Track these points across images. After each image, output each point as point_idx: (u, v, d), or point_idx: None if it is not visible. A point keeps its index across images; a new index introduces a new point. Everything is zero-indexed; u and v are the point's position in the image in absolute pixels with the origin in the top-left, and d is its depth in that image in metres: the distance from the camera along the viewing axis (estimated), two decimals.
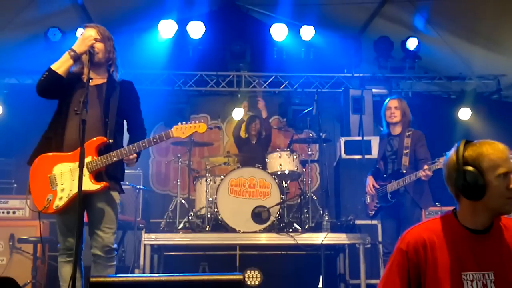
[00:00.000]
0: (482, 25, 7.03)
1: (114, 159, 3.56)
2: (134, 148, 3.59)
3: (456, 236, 2.22)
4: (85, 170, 3.47)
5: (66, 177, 3.54)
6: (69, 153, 3.56)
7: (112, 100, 3.69)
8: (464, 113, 8.06)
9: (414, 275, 2.22)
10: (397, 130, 5.27)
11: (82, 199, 3.45)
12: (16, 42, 7.27)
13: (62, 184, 3.55)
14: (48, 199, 3.52)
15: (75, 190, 3.37)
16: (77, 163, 3.30)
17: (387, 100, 5.37)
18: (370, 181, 5.29)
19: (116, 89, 3.75)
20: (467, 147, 2.23)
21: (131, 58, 7.45)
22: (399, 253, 2.25)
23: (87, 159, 3.52)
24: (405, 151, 5.12)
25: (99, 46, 3.66)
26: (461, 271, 2.17)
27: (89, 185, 3.51)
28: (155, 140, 3.64)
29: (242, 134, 7.51)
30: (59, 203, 3.52)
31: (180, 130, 3.70)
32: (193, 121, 3.75)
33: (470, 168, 2.17)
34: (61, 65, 3.63)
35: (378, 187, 5.21)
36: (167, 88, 8.11)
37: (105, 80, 3.77)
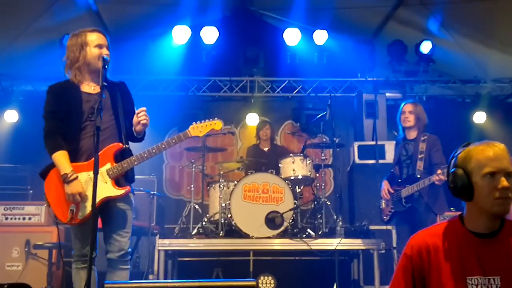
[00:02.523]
0: (497, 28, 6.98)
1: (135, 163, 3.59)
2: (154, 151, 3.61)
3: (461, 240, 2.21)
4: (106, 177, 3.52)
5: (87, 186, 3.49)
6: (85, 162, 3.53)
7: (118, 105, 3.68)
8: (479, 117, 8.01)
9: (419, 280, 2.22)
10: (412, 134, 5.24)
11: (103, 206, 3.50)
12: (32, 49, 7.34)
13: (84, 194, 3.51)
14: (71, 209, 3.46)
15: (99, 197, 3.37)
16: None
17: (402, 104, 5.35)
18: (385, 186, 5.26)
19: (117, 92, 3.72)
20: (464, 149, 2.23)
21: (145, 64, 7.51)
22: (404, 258, 2.28)
23: (107, 166, 3.54)
24: (420, 156, 5.09)
25: (108, 54, 3.64)
26: (466, 275, 2.15)
27: (113, 191, 3.53)
28: (173, 141, 3.66)
29: (254, 140, 7.50)
30: (84, 212, 3.49)
31: (197, 129, 3.72)
32: (208, 120, 3.77)
33: (457, 169, 2.19)
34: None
35: (393, 192, 5.18)
36: (181, 93, 8.12)
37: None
